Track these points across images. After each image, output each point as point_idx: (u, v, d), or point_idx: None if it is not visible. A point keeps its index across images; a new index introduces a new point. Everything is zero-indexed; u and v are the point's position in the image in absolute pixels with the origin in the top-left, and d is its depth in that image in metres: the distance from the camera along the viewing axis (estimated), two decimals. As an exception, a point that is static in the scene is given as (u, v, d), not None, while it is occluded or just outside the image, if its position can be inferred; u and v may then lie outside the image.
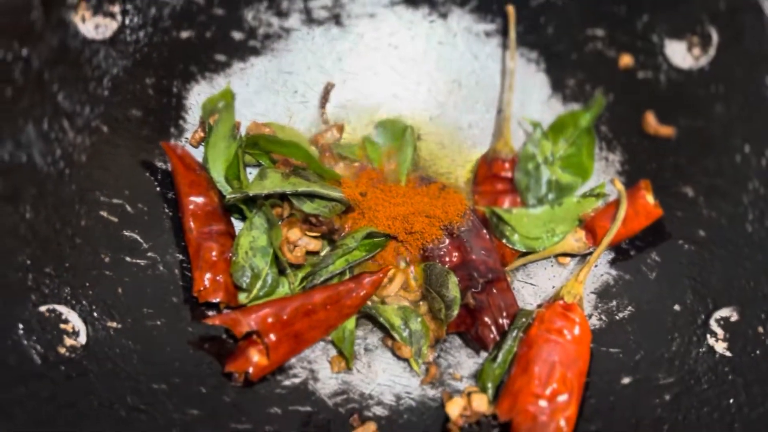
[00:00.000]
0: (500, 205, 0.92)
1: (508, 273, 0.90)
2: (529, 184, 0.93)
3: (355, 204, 0.87)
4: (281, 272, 0.85)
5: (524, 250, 0.90)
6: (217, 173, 0.87)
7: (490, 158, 0.94)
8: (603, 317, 0.88)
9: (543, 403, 0.78)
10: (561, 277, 0.91)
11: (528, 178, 0.93)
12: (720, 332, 0.82)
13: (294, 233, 0.85)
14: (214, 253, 0.83)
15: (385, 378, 0.85)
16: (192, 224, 0.84)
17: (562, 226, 0.90)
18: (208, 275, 0.82)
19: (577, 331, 0.82)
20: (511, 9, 0.94)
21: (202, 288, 0.81)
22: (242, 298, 0.83)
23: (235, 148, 0.88)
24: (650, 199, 0.87)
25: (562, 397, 0.78)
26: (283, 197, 0.86)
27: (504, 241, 0.90)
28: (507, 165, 0.93)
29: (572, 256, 0.92)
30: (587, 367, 0.82)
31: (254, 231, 0.85)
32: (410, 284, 0.89)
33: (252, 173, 0.91)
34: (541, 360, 0.80)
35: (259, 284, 0.83)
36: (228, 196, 0.84)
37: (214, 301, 0.81)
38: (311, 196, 0.85)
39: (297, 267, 0.86)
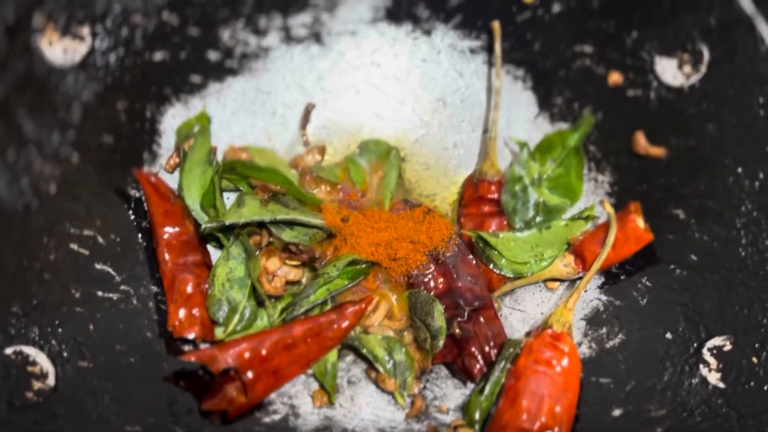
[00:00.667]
0: (487, 228, 0.89)
1: (496, 299, 0.87)
2: (516, 206, 0.90)
3: (336, 230, 0.84)
4: (259, 304, 0.82)
5: (512, 276, 0.87)
6: (193, 201, 0.84)
7: (476, 180, 0.91)
8: (593, 345, 0.85)
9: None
10: (549, 303, 0.88)
11: (515, 200, 0.90)
12: (713, 362, 0.80)
13: (273, 263, 0.82)
14: (189, 286, 0.80)
15: (368, 412, 0.82)
16: (166, 255, 0.81)
17: (550, 250, 0.88)
18: (183, 310, 0.79)
19: (566, 362, 0.80)
20: (496, 25, 0.91)
21: (176, 323, 0.78)
22: (219, 333, 0.80)
23: (211, 175, 0.85)
24: (640, 222, 0.85)
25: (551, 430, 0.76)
26: (261, 225, 0.83)
27: (491, 266, 0.87)
28: (493, 187, 0.90)
29: (561, 280, 0.89)
30: (577, 398, 0.80)
31: (231, 261, 0.82)
32: (394, 313, 0.86)
33: (230, 198, 0.88)
34: (530, 392, 0.78)
35: (236, 318, 0.81)
36: (204, 226, 0.81)
37: (189, 336, 0.78)
38: (291, 224, 0.82)
39: (276, 298, 0.83)
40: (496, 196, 0.90)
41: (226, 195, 0.88)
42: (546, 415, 0.77)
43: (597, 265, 0.83)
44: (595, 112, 0.91)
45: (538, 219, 0.90)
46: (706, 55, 0.86)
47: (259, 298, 0.82)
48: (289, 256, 0.83)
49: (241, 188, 0.87)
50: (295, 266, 0.83)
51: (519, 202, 0.90)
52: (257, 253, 0.83)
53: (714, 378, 0.79)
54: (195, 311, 0.79)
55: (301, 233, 0.83)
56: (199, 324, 0.79)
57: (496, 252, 0.87)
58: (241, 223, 0.80)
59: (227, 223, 0.80)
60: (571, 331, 0.82)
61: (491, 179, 0.90)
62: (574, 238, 0.88)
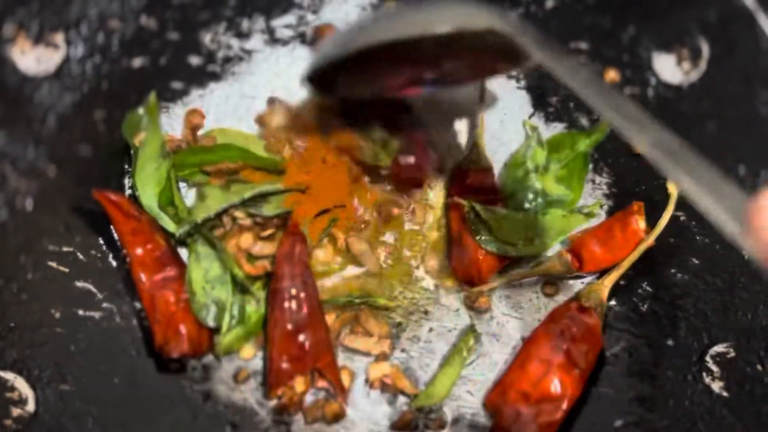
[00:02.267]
0: None
1: (487, 294, 0.84)
2: (514, 190, 0.87)
3: (299, 188, 0.82)
4: (244, 291, 0.79)
5: (496, 252, 0.84)
6: (149, 201, 0.80)
7: (465, 169, 0.88)
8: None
9: (530, 404, 0.76)
10: (548, 309, 0.86)
11: (514, 184, 0.87)
12: (716, 370, 0.78)
13: (246, 240, 0.79)
14: (171, 301, 0.77)
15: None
16: (142, 275, 0.77)
17: (541, 237, 0.85)
18: (168, 329, 0.76)
19: (586, 338, 0.78)
20: None
21: (163, 345, 0.76)
22: (220, 340, 0.78)
23: (167, 169, 0.81)
24: (642, 224, 0.82)
25: (551, 402, 0.75)
26: (220, 214, 0.80)
27: (478, 238, 0.84)
28: (482, 175, 0.88)
29: (558, 278, 0.86)
30: (587, 377, 0.79)
31: (203, 262, 0.79)
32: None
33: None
34: (540, 359, 0.77)
35: (227, 317, 0.78)
36: (179, 232, 0.78)
37: (176, 356, 0.76)
38: (264, 196, 0.79)
39: (257, 278, 0.80)
40: (485, 184, 0.88)
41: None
42: (551, 384, 0.76)
43: (642, 246, 0.81)
44: (590, 111, 0.89)
45: (535, 204, 0.87)
46: (705, 51, 0.83)
47: (242, 287, 0.79)
48: (260, 229, 0.80)
49: (196, 181, 0.84)
50: (270, 238, 0.81)
51: (518, 187, 0.87)
52: (223, 245, 0.80)
53: (717, 386, 0.77)
54: (181, 328, 0.76)
55: (279, 202, 0.80)
56: (187, 341, 0.76)
57: (485, 226, 0.84)
58: (213, 215, 0.78)
59: (199, 221, 0.77)
60: (602, 309, 0.80)
61: (480, 167, 0.88)
62: (573, 236, 0.85)
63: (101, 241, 0.80)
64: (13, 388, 0.70)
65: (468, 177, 0.88)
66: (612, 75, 0.88)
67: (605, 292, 0.80)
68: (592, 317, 0.78)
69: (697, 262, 0.82)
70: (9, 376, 0.71)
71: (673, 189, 0.82)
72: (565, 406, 0.75)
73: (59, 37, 0.77)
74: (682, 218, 0.84)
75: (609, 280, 0.80)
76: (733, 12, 0.81)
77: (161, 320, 0.76)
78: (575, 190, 0.88)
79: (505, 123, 0.91)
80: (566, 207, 0.88)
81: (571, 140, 0.89)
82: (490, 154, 0.89)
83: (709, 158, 0.81)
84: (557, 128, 0.90)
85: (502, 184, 0.88)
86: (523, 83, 0.91)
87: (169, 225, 0.80)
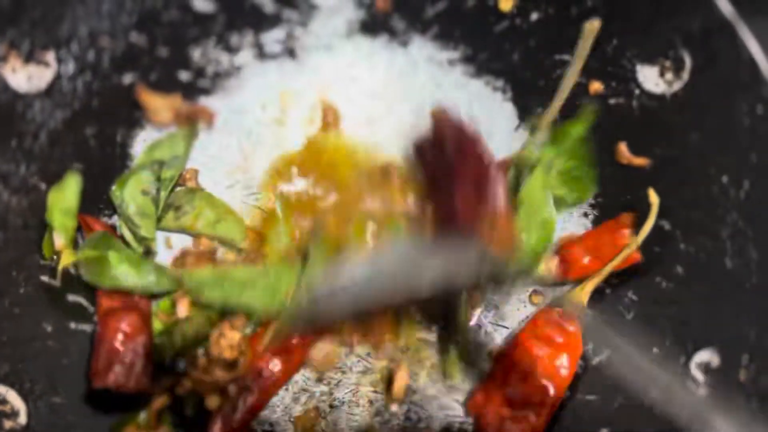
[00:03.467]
0: None
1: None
2: (517, 186, 0.87)
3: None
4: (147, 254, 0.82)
5: None
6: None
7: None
8: (579, 361, 0.83)
9: (513, 409, 0.77)
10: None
11: (518, 180, 0.87)
12: (701, 378, 0.78)
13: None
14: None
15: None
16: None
17: (528, 235, 0.85)
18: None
19: (567, 344, 0.79)
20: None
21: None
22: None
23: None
24: (630, 236, 0.83)
25: (533, 408, 0.77)
26: None
27: None
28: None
29: (545, 291, 0.87)
30: (567, 384, 0.80)
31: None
32: None
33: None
34: (523, 364, 0.78)
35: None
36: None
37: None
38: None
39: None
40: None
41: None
42: (533, 390, 0.77)
43: (624, 253, 0.82)
44: (575, 122, 0.89)
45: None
46: (687, 62, 0.84)
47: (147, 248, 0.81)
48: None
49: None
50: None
51: (522, 183, 0.87)
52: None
53: (703, 394, 0.77)
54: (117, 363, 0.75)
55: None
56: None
57: None
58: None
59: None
60: (582, 314, 0.81)
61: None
62: (562, 242, 0.86)
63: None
64: (5, 401, 0.71)
65: None
66: (596, 86, 0.89)
67: (585, 298, 0.81)
68: (573, 323, 0.79)
69: (681, 270, 0.83)
70: (1, 389, 0.72)
71: (654, 198, 0.83)
72: (547, 411, 0.76)
73: (50, 55, 0.79)
74: (666, 227, 0.85)
75: (589, 286, 0.81)
76: (715, 24, 0.81)
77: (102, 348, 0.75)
78: (588, 178, 0.87)
79: (491, 134, 0.91)
80: (573, 203, 0.88)
81: (565, 131, 0.88)
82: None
83: (693, 168, 0.83)
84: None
85: (508, 180, 0.87)
86: (509, 95, 0.92)
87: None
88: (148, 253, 0.82)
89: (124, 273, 0.77)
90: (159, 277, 0.78)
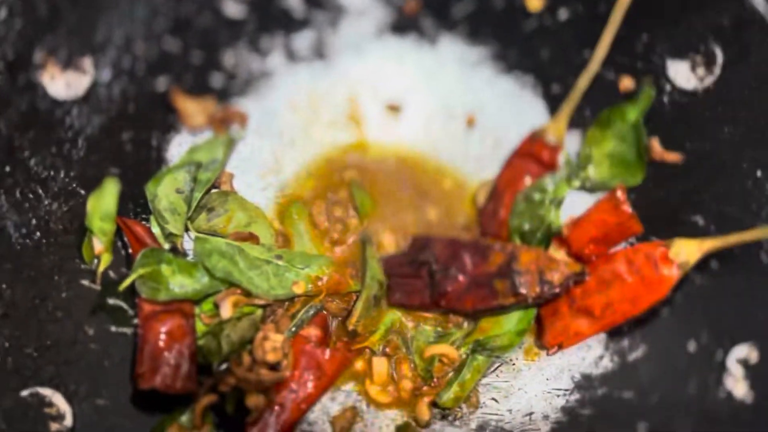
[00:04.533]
0: (520, 186, 0.89)
1: None
2: (523, 212, 0.89)
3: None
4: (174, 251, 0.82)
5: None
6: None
7: (536, 137, 0.90)
8: (615, 358, 0.84)
9: (570, 310, 0.81)
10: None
11: (527, 205, 0.89)
12: (739, 373, 0.78)
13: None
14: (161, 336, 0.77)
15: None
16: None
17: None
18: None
19: (656, 282, 0.79)
20: None
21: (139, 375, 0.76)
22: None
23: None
24: (627, 208, 0.83)
25: (588, 317, 0.81)
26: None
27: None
28: (545, 151, 0.89)
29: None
30: (626, 319, 0.81)
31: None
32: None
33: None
34: (606, 276, 0.81)
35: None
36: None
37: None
38: None
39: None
40: (545, 159, 0.89)
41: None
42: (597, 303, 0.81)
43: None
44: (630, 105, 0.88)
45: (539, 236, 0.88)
46: (719, 56, 0.84)
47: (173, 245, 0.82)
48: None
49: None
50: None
51: (528, 212, 0.88)
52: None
53: (741, 391, 0.77)
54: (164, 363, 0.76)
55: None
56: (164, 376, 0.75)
57: None
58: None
59: None
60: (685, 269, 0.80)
61: (548, 143, 0.89)
62: (566, 226, 0.87)
63: (131, 259, 0.82)
64: (51, 404, 0.72)
65: (534, 147, 0.89)
66: (626, 83, 0.89)
67: (697, 256, 0.79)
68: (672, 268, 0.79)
69: (715, 265, 0.82)
70: (47, 392, 0.73)
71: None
72: (597, 327, 0.82)
73: (87, 62, 0.80)
74: (700, 223, 0.84)
75: (708, 245, 0.79)
76: (746, 17, 0.81)
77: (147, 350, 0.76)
78: (636, 164, 0.87)
79: (521, 131, 0.91)
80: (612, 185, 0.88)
81: (620, 113, 0.88)
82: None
83: (726, 163, 0.83)
84: (573, 132, 0.91)
85: (516, 200, 0.89)
86: (539, 91, 0.92)
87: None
88: (175, 250, 0.82)
89: (179, 283, 0.78)
90: (211, 279, 0.79)
